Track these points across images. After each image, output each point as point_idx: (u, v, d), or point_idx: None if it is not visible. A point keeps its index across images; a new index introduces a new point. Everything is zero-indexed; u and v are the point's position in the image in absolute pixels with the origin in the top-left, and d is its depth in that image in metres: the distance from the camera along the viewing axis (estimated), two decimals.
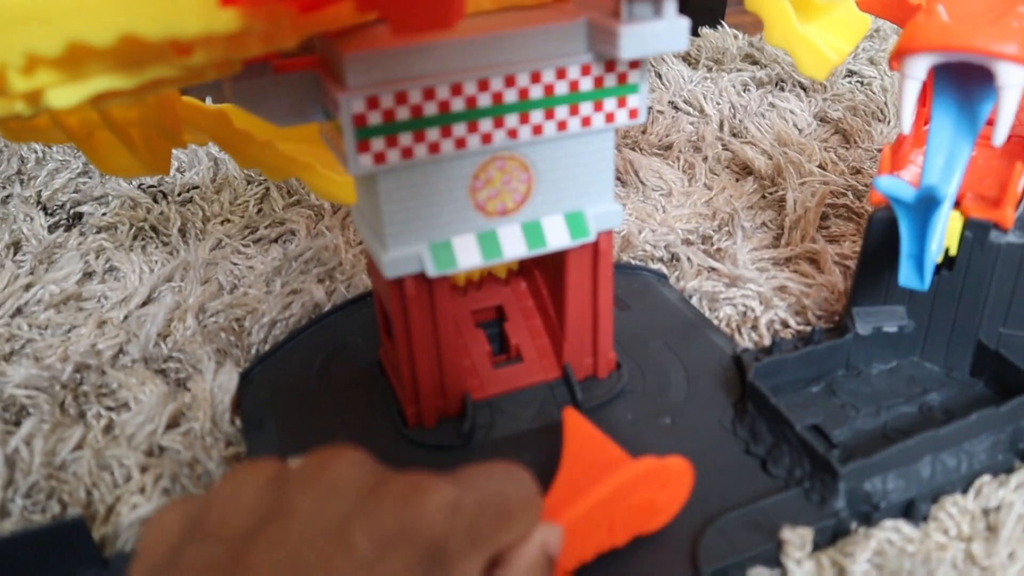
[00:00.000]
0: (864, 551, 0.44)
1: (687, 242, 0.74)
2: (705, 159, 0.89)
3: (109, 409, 0.57)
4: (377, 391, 0.56)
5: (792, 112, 0.98)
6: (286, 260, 0.70)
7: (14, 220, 0.82)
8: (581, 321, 0.54)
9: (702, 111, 1.01)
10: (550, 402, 0.54)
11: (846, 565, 0.44)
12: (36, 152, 0.98)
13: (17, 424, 0.56)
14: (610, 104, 0.46)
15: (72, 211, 0.84)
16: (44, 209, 0.84)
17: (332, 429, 0.53)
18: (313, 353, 0.60)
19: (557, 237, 0.49)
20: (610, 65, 0.45)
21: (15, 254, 0.77)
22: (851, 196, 0.81)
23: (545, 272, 0.55)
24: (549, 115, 0.45)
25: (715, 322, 0.63)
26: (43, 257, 0.76)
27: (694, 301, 0.66)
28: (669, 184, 0.84)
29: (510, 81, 0.43)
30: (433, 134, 0.43)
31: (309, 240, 0.74)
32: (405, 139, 0.43)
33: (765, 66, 1.15)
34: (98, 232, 0.79)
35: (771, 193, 0.82)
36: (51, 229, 0.81)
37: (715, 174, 0.87)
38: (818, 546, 0.45)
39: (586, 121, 0.46)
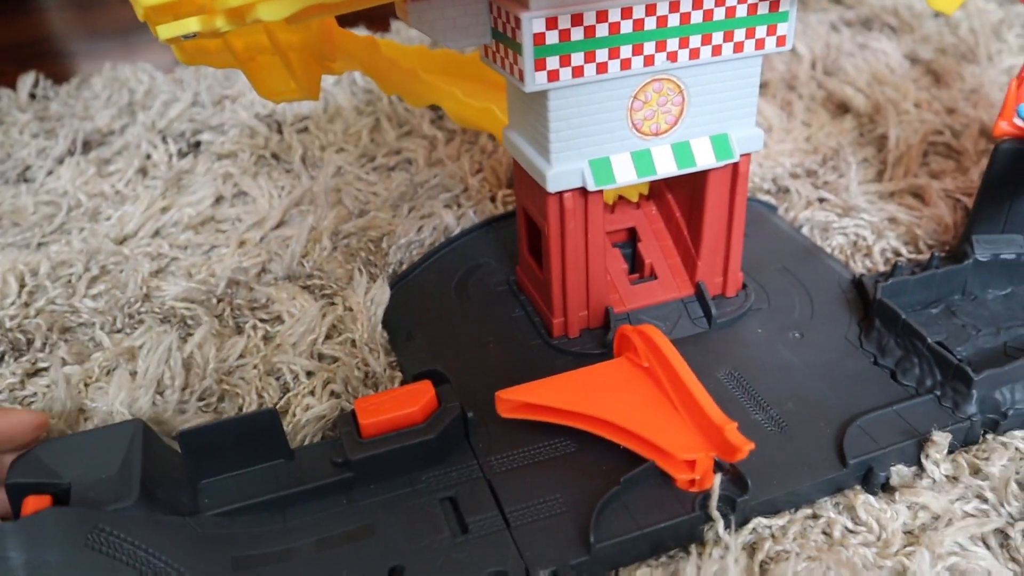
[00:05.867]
0: (1001, 456, 0.47)
1: (794, 175, 0.76)
2: (800, 97, 0.91)
3: (263, 321, 0.60)
4: (516, 306, 0.59)
5: (884, 52, 0.99)
6: (412, 186, 0.73)
7: (136, 147, 0.86)
8: (715, 240, 0.56)
9: (793, 50, 1.03)
10: (684, 317, 0.57)
11: (983, 467, 0.46)
12: (143, 83, 1.01)
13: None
14: (761, 31, 0.49)
15: (192, 139, 0.87)
16: (164, 137, 0.88)
17: (478, 339, 0.56)
18: (448, 272, 0.63)
19: (704, 157, 0.52)
20: None
21: (144, 179, 0.81)
22: (948, 134, 0.82)
23: (678, 194, 0.58)
24: (706, 40, 0.48)
25: (827, 250, 0.66)
26: (172, 182, 0.79)
27: (804, 231, 0.69)
28: (769, 120, 0.86)
29: (674, 6, 0.46)
30: (602, 54, 0.46)
31: (428, 168, 0.77)
32: (577, 58, 0.46)
33: (851, 7, 1.16)
34: (219, 159, 0.83)
35: (869, 131, 0.84)
36: (174, 156, 0.85)
37: (811, 111, 0.89)
38: (951, 450, 0.48)
39: (738, 47, 0.49)
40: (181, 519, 0.42)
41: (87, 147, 0.88)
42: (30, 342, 0.60)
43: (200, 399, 0.54)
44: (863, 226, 0.68)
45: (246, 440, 0.45)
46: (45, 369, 0.58)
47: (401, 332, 0.58)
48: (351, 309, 0.59)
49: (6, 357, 0.59)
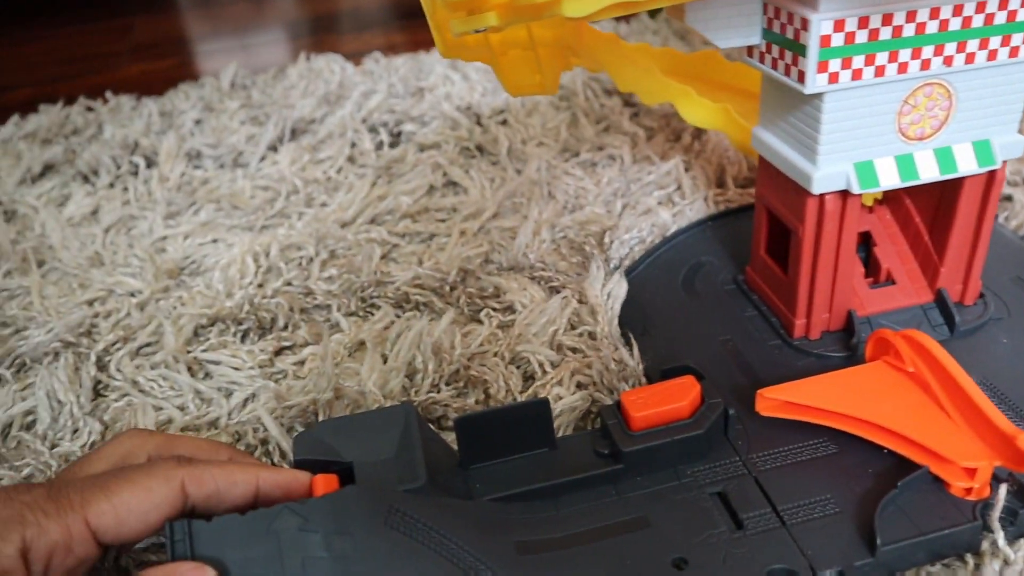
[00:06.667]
0: None
1: (1012, 183, 0.75)
2: None
3: (494, 310, 0.61)
4: (747, 305, 0.59)
5: None
6: (625, 183, 0.74)
7: (340, 135, 0.88)
8: (961, 247, 0.56)
9: None
10: (924, 323, 0.56)
11: None
12: (335, 74, 1.04)
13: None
14: None
15: (394, 129, 0.89)
16: (369, 126, 0.90)
17: (714, 337, 0.57)
18: (672, 269, 0.64)
19: (966, 163, 0.51)
20: None
21: (354, 166, 0.83)
22: None
23: (920, 200, 0.57)
24: (983, 44, 0.47)
25: None
26: (383, 170, 0.81)
27: None
28: None
29: (958, 10, 0.46)
30: (882, 57, 0.46)
31: (634, 164, 0.78)
32: (858, 61, 0.46)
33: None
34: (423, 150, 0.85)
35: None
36: (379, 146, 0.87)
37: None
38: None
39: (1014, 51, 0.48)
40: (464, 502, 0.44)
41: (294, 135, 0.90)
42: (273, 321, 0.62)
43: (447, 384, 0.55)
44: None
45: (516, 428, 0.46)
46: (290, 348, 0.60)
47: (635, 327, 0.59)
48: (582, 302, 0.60)
49: (250, 334, 0.62)
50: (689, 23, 0.47)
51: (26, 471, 0.52)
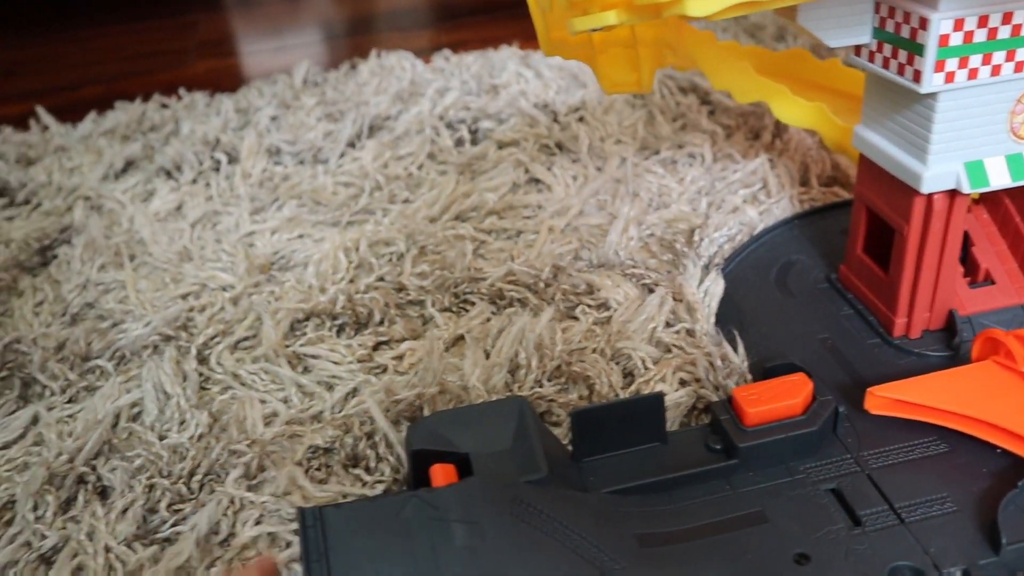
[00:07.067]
0: None
1: None
2: None
3: (589, 307, 0.62)
4: (843, 303, 0.59)
5: None
6: (709, 181, 0.74)
7: (418, 132, 0.89)
8: None
9: None
10: None
11: None
12: (407, 71, 1.05)
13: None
14: None
15: (472, 126, 0.90)
16: (446, 123, 0.91)
17: (812, 335, 0.57)
18: (763, 267, 0.64)
19: None
20: None
21: (434, 163, 0.84)
22: None
23: (1020, 200, 0.57)
24: None
25: None
26: (464, 167, 0.82)
27: None
28: None
29: None
30: (999, 56, 0.46)
31: (715, 163, 0.78)
32: (975, 60, 0.46)
33: None
34: (501, 147, 0.85)
35: None
36: (458, 143, 0.88)
37: None
38: None
39: None
40: (583, 494, 0.44)
41: (371, 131, 0.91)
42: (369, 316, 0.63)
43: (548, 380, 0.56)
44: None
45: (630, 422, 0.47)
46: (386, 343, 0.61)
47: (734, 323, 0.59)
48: (678, 299, 0.60)
49: (346, 329, 0.63)
50: (800, 22, 0.47)
51: (137, 462, 0.54)
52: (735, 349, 0.55)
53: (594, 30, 0.45)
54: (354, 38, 1.32)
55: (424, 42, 1.26)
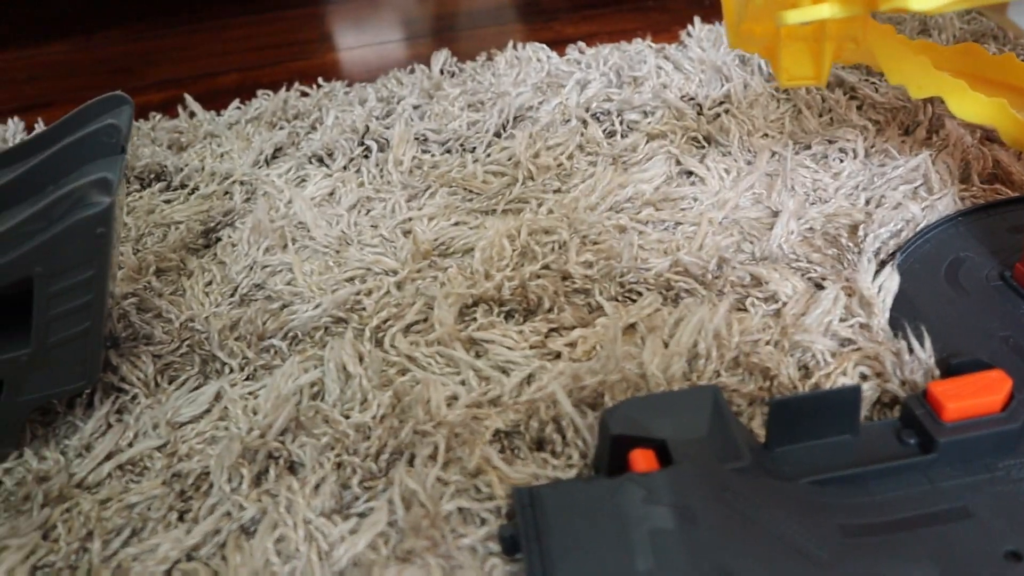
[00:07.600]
0: None
1: None
2: None
3: (758, 299, 0.62)
4: (1021, 302, 0.59)
5: None
6: (868, 176, 0.74)
7: (563, 123, 0.90)
8: None
9: None
10: None
11: None
12: (542, 63, 1.06)
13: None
14: None
15: (618, 118, 0.91)
16: (593, 115, 0.92)
17: (992, 332, 0.57)
18: (930, 264, 0.64)
19: None
20: None
21: (583, 154, 0.85)
22: None
23: None
24: None
25: None
26: (615, 159, 0.83)
27: None
28: None
29: None
30: None
31: (868, 158, 0.77)
32: None
33: None
34: (650, 139, 0.86)
35: None
36: (608, 134, 0.88)
37: None
38: None
39: None
40: (784, 483, 0.45)
41: (515, 121, 0.93)
42: (539, 302, 0.64)
43: (725, 370, 0.56)
44: None
45: (825, 413, 0.47)
46: (556, 330, 0.62)
47: (903, 318, 0.59)
48: (850, 293, 0.60)
49: (515, 315, 0.64)
50: (1011, 15, 0.47)
51: (324, 439, 0.55)
52: (921, 344, 0.55)
53: (803, 23, 0.46)
54: (479, 30, 1.34)
55: (551, 34, 1.27)
